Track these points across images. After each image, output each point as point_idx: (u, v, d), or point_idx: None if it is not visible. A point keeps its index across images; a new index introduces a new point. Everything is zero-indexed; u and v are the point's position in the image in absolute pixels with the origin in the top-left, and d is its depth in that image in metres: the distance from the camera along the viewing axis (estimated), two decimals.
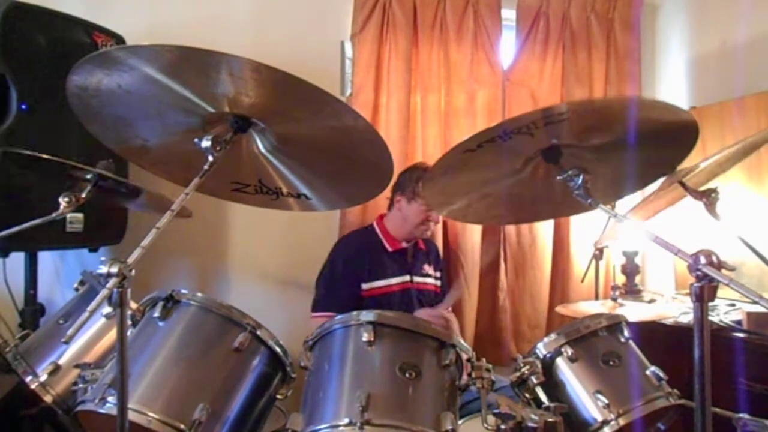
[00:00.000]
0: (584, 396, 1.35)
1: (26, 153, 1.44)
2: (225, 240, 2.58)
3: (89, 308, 0.93)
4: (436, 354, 1.28)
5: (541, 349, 1.43)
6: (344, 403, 1.17)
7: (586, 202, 1.24)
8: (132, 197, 1.65)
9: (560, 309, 2.29)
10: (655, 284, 3.02)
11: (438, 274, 2.37)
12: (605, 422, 1.30)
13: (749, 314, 2.10)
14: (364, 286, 2.17)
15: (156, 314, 1.28)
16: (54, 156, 1.45)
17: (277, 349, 1.33)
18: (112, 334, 1.42)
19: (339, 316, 1.33)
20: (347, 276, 2.17)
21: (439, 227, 2.69)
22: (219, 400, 1.21)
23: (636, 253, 2.71)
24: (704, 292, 1.05)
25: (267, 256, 2.64)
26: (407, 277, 2.23)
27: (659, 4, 3.18)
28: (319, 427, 1.16)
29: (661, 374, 1.38)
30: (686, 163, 1.42)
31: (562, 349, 1.40)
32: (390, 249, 2.24)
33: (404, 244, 2.26)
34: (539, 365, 1.37)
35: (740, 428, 1.32)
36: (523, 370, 1.38)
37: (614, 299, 2.19)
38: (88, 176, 1.42)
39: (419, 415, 1.17)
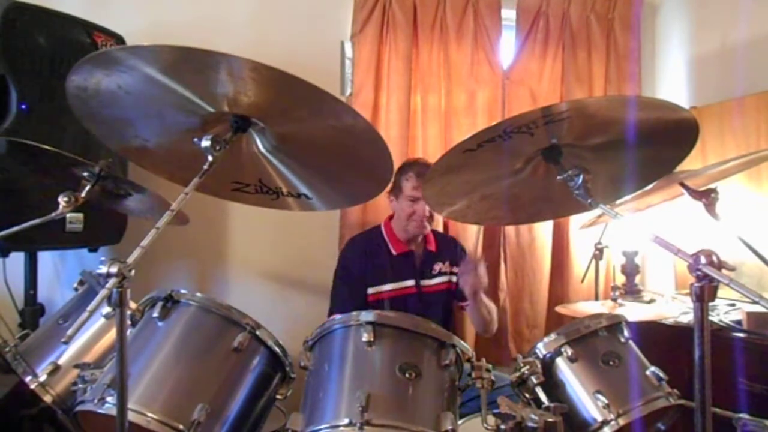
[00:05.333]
0: (584, 396, 1.35)
1: (31, 144, 1.43)
2: (224, 240, 2.58)
3: (89, 308, 0.93)
4: (436, 354, 1.28)
5: (541, 349, 1.43)
6: (344, 403, 1.17)
7: (586, 202, 1.23)
8: (131, 198, 1.65)
9: (560, 309, 2.29)
10: (655, 284, 3.02)
11: (455, 270, 2.29)
12: (605, 422, 1.30)
13: (749, 314, 2.10)
14: (370, 290, 2.15)
15: (155, 314, 1.29)
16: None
17: (277, 349, 1.33)
18: (112, 334, 1.42)
19: (338, 316, 1.33)
20: (357, 278, 2.16)
21: (440, 228, 2.69)
22: (218, 400, 1.21)
23: (636, 253, 2.70)
24: (704, 292, 1.05)
25: (266, 256, 2.64)
26: (411, 282, 2.20)
27: (659, 4, 3.18)
28: (319, 428, 1.16)
29: (661, 374, 1.38)
30: (686, 164, 1.42)
31: (562, 349, 1.40)
32: (395, 252, 2.21)
33: (411, 247, 2.23)
34: (539, 365, 1.37)
35: (740, 428, 1.32)
36: (523, 370, 1.38)
37: (614, 299, 2.19)
38: (86, 173, 1.41)
39: (419, 415, 1.17)
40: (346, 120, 1.21)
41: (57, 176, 1.54)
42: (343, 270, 2.19)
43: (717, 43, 2.84)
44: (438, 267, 2.26)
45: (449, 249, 2.33)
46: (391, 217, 2.28)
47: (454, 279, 2.30)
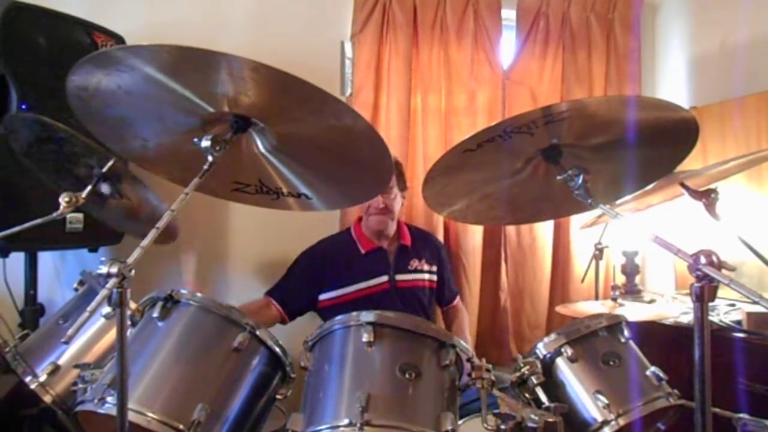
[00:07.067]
0: (584, 396, 1.35)
1: (48, 122, 1.41)
2: (225, 240, 2.58)
3: (89, 308, 0.93)
4: (436, 354, 1.28)
5: (541, 349, 1.43)
6: (344, 403, 1.17)
7: (586, 202, 1.24)
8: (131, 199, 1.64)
9: (560, 309, 2.29)
10: (655, 284, 3.02)
11: (434, 268, 2.29)
12: (605, 422, 1.30)
13: (749, 314, 2.10)
14: (326, 295, 2.14)
15: (155, 314, 1.28)
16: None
17: (277, 349, 1.33)
18: (112, 334, 1.41)
19: (339, 317, 1.33)
20: (302, 281, 2.18)
21: (440, 227, 2.69)
22: (218, 400, 1.21)
23: (636, 253, 2.71)
24: (704, 292, 1.05)
25: (267, 256, 2.63)
26: (384, 278, 2.16)
27: (659, 4, 3.18)
28: (319, 428, 1.16)
29: (661, 374, 1.38)
30: (686, 164, 1.42)
31: (562, 349, 1.40)
32: (363, 251, 2.19)
33: (382, 244, 2.21)
34: (539, 365, 1.37)
35: (740, 428, 1.32)
36: (523, 370, 1.38)
37: (614, 299, 2.19)
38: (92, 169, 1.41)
39: (419, 415, 1.17)
40: (346, 120, 1.21)
41: (64, 165, 1.52)
42: (293, 270, 2.22)
43: (717, 43, 2.84)
44: (414, 263, 2.24)
45: (426, 245, 2.32)
46: (360, 218, 2.28)
47: (434, 277, 2.29)
